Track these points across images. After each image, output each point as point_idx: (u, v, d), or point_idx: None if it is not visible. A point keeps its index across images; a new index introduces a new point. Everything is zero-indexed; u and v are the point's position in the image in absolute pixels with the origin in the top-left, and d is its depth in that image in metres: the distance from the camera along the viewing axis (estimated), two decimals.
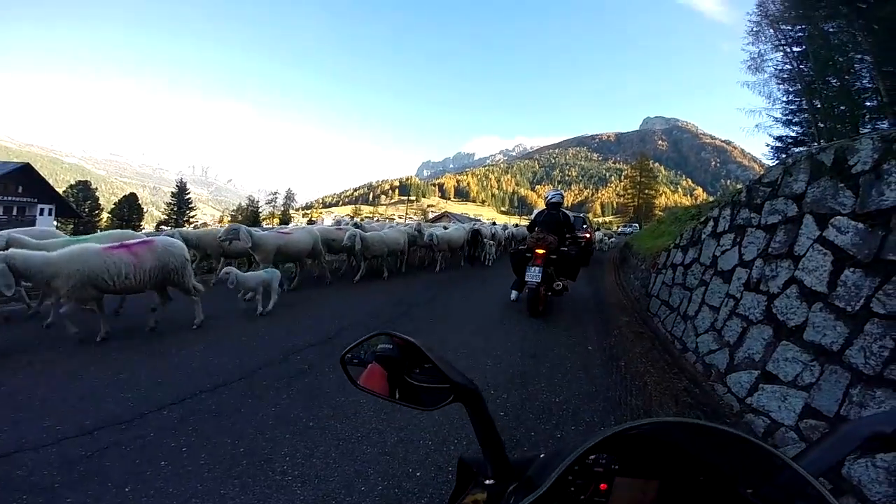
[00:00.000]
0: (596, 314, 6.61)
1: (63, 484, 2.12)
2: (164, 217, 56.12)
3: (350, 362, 0.78)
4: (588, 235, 14.26)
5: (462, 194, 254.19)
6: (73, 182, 58.05)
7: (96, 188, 58.04)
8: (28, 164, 41.02)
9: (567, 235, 6.40)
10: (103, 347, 4.07)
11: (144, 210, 61.05)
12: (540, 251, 5.86)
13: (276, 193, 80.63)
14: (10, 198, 37.79)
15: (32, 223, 37.00)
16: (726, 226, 4.58)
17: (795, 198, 3.39)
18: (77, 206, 47.48)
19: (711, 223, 5.05)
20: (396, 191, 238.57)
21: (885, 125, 12.32)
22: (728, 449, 0.62)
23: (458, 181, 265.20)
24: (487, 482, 0.67)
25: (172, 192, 57.50)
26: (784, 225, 3.45)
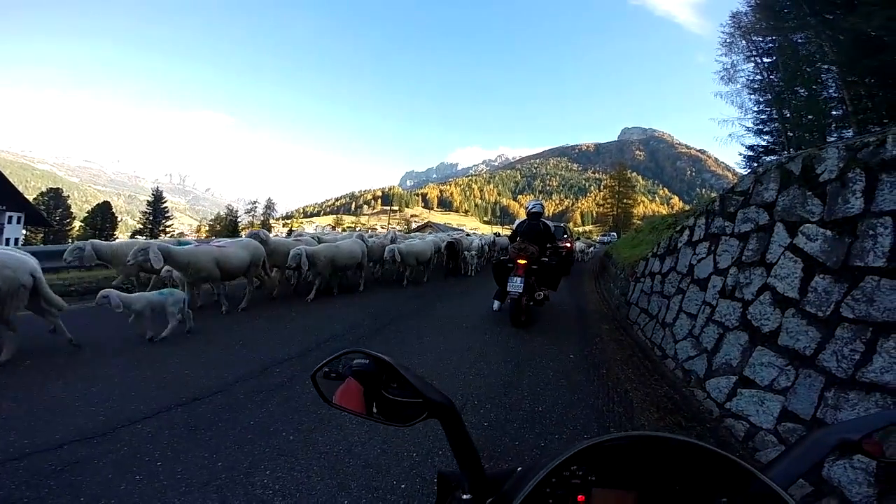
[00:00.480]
0: (577, 323, 6.65)
1: (31, 499, 2.03)
2: (139, 226, 54.55)
3: (327, 377, 0.77)
4: (569, 245, 14.44)
5: (445, 204, 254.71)
6: (44, 189, 56.10)
7: (68, 196, 56.28)
8: None
9: (548, 245, 6.45)
10: (72, 361, 3.90)
11: (119, 219, 59.29)
12: (521, 261, 5.88)
13: (255, 202, 79.40)
14: None
15: (0, 232, 35.10)
16: (701, 234, 4.68)
17: (766, 206, 3.49)
18: (48, 215, 45.66)
19: (687, 232, 5.16)
20: (379, 200, 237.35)
21: (849, 134, 12.88)
22: (701, 461, 0.63)
23: (441, 191, 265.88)
24: (465, 497, 0.67)
25: (148, 201, 55.89)
26: (756, 233, 3.55)
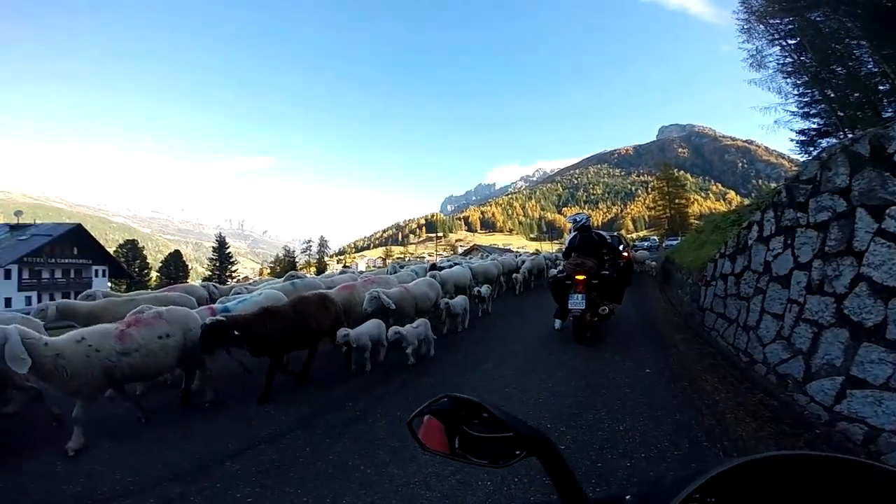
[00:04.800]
0: (647, 335, 6.40)
1: None
2: (207, 272, 55.80)
3: (415, 423, 0.76)
4: (626, 254, 13.87)
5: (488, 225, 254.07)
6: (121, 241, 58.44)
7: (143, 247, 57.15)
8: (80, 224, 42.01)
9: (606, 257, 6.30)
10: (160, 406, 4.22)
11: (189, 266, 60.28)
12: (580, 277, 5.75)
13: (309, 241, 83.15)
14: (66, 260, 38.49)
15: (89, 285, 36.66)
16: (772, 229, 4.44)
17: (841, 192, 3.29)
18: (128, 266, 47.19)
19: (756, 228, 4.90)
20: (424, 228, 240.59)
21: None
22: (849, 477, 0.54)
23: (482, 213, 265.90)
24: None
25: (213, 247, 57.21)
26: (836, 221, 3.34)
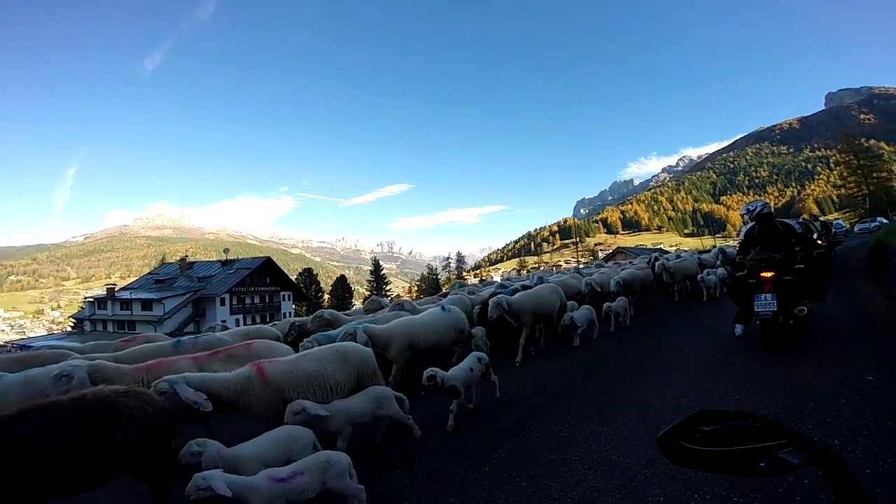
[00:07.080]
0: (863, 336, 5.23)
1: None
2: (367, 293, 59.45)
3: (679, 443, 0.77)
4: (821, 242, 11.36)
5: (631, 225, 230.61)
6: (299, 269, 66.72)
7: (317, 273, 63.09)
8: (269, 257, 47.88)
9: (797, 248, 5.33)
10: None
11: (353, 288, 65.31)
12: (767, 274, 4.96)
13: (448, 259, 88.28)
14: (262, 288, 44.22)
15: (279, 308, 44.23)
16: None
17: None
18: (306, 291, 53.13)
19: None
20: (557, 235, 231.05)
21: None
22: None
23: (622, 212, 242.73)
24: None
25: (370, 270, 63.27)
26: None
